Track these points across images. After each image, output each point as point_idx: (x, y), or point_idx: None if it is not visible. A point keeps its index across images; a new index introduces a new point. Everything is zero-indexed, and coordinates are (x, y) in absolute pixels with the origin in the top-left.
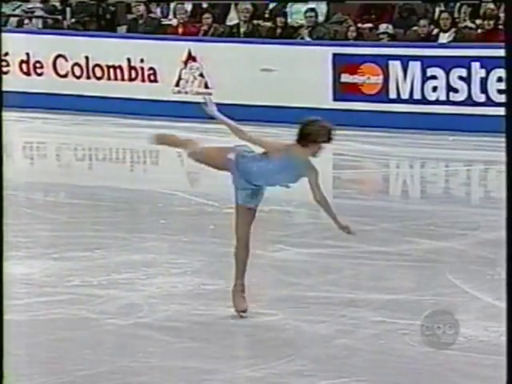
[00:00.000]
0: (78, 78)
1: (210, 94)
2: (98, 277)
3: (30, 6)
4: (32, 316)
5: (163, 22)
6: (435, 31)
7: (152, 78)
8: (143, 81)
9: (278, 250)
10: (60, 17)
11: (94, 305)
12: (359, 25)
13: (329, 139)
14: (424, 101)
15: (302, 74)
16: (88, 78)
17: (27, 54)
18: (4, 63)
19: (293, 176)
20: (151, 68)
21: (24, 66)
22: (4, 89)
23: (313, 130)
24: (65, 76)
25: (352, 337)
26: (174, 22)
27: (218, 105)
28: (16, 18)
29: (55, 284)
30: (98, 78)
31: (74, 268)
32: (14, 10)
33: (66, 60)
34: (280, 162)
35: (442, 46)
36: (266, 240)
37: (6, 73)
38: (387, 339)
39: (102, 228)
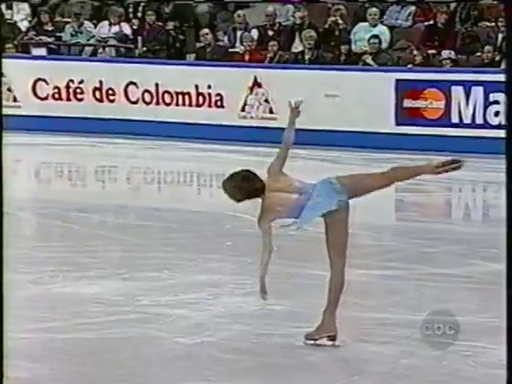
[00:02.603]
0: (148, 104)
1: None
2: (166, 296)
3: (103, 35)
4: (102, 334)
5: (230, 50)
6: (498, 57)
7: (219, 103)
8: (210, 106)
9: None
10: (132, 45)
11: (162, 324)
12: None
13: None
14: (486, 125)
15: (365, 98)
16: (157, 104)
17: (100, 82)
18: (78, 90)
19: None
20: (218, 94)
21: (97, 93)
22: (79, 115)
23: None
24: (135, 102)
25: (415, 357)
26: (241, 49)
27: (281, 129)
28: (91, 48)
29: (125, 303)
30: (167, 104)
31: (144, 288)
32: (88, 39)
33: (137, 87)
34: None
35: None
36: (326, 261)
37: (80, 100)
38: (450, 360)
39: (171, 249)
